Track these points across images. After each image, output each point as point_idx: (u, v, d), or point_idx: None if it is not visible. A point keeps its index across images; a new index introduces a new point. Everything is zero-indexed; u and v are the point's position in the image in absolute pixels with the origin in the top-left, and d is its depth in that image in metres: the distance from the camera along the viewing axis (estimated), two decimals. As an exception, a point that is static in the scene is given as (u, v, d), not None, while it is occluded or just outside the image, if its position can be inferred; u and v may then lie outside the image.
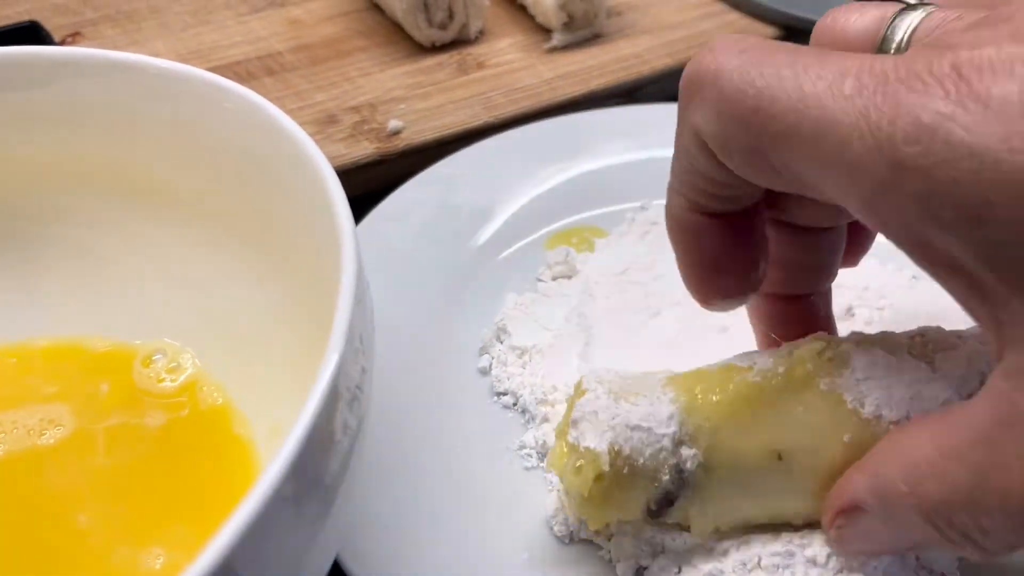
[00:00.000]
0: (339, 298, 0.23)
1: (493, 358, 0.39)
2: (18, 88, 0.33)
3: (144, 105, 0.32)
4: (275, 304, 0.32)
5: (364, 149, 0.49)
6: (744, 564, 0.30)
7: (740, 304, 0.31)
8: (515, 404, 0.37)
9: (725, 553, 0.30)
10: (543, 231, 0.44)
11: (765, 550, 0.29)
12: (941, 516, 0.24)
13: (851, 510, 0.27)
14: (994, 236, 0.20)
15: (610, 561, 0.31)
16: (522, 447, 0.35)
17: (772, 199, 0.29)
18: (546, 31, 0.58)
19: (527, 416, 0.36)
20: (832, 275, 0.32)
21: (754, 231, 0.29)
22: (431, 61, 0.56)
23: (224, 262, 0.34)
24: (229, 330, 0.34)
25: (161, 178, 0.34)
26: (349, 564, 0.30)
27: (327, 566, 0.25)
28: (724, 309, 0.31)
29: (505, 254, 0.43)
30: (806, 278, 0.32)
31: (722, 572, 0.30)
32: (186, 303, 0.35)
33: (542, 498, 0.33)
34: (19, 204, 0.35)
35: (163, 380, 0.34)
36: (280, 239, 0.31)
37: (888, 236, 0.23)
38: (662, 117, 0.49)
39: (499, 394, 0.37)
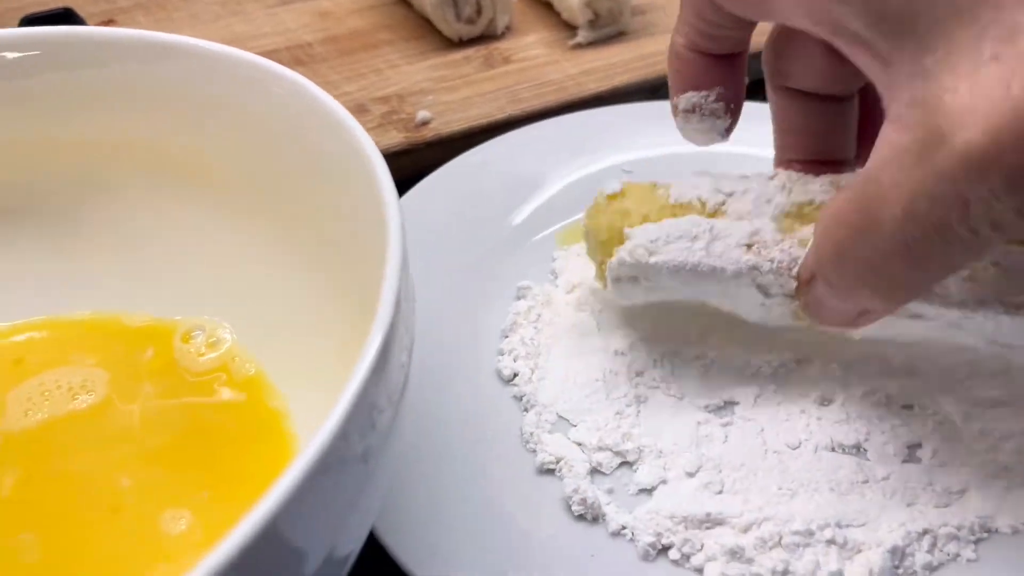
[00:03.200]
0: (386, 271, 0.24)
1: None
2: (68, 67, 0.33)
3: (192, 87, 0.33)
4: (315, 282, 0.33)
5: (393, 138, 0.50)
6: (765, 542, 0.30)
7: (714, 141, 0.36)
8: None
9: (746, 531, 0.31)
10: (565, 222, 0.45)
11: (786, 528, 0.30)
12: (850, 249, 0.27)
13: (805, 282, 0.31)
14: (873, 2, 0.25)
15: (631, 539, 0.32)
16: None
17: (777, 67, 0.35)
18: (571, 28, 0.59)
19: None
20: (848, 152, 0.36)
21: (734, 70, 0.35)
22: (458, 55, 0.57)
23: (267, 241, 0.35)
24: (266, 306, 0.34)
25: (206, 159, 0.34)
26: (383, 535, 0.31)
27: (364, 534, 0.26)
28: (701, 142, 0.37)
29: (533, 240, 0.44)
30: (820, 145, 0.36)
31: (743, 549, 0.30)
32: (226, 280, 0.35)
33: (563, 477, 0.34)
34: (64, 181, 0.36)
35: (202, 354, 0.34)
36: (323, 219, 0.32)
37: (821, 31, 0.28)
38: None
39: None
